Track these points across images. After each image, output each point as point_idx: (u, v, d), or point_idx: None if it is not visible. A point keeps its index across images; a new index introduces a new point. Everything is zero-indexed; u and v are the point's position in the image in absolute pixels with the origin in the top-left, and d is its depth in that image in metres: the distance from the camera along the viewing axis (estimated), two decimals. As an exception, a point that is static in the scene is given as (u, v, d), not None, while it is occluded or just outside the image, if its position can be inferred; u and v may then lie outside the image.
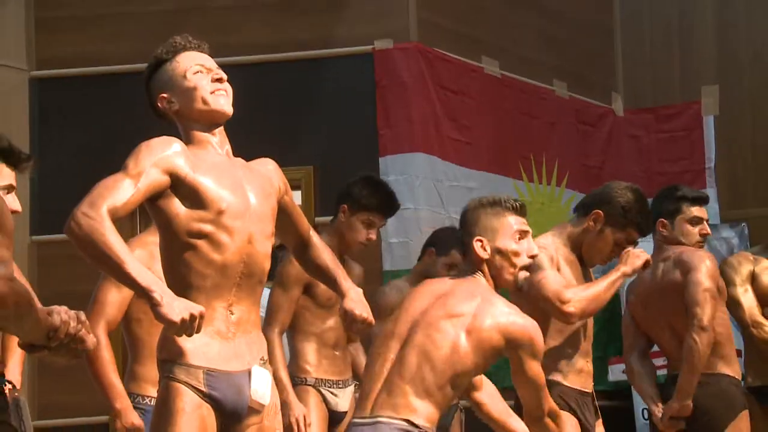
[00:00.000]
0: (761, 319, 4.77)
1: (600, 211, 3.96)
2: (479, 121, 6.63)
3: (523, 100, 6.96)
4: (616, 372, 6.52)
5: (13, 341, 3.79)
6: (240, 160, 2.87)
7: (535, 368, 3.04)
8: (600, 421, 4.01)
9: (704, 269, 4.24)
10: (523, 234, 3.21)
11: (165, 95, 2.79)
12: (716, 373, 4.27)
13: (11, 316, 2.02)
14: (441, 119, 6.02)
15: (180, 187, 2.68)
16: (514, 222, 3.21)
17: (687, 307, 4.18)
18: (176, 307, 2.44)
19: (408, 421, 2.95)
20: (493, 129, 6.62)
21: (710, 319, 4.17)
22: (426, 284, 3.36)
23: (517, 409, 3.61)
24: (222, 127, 2.83)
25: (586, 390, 3.97)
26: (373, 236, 4.24)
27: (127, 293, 3.53)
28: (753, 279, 4.89)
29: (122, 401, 3.52)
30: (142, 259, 2.94)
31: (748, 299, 4.82)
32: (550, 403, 3.28)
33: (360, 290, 2.94)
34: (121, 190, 2.59)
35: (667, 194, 4.49)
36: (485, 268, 3.19)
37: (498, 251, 3.16)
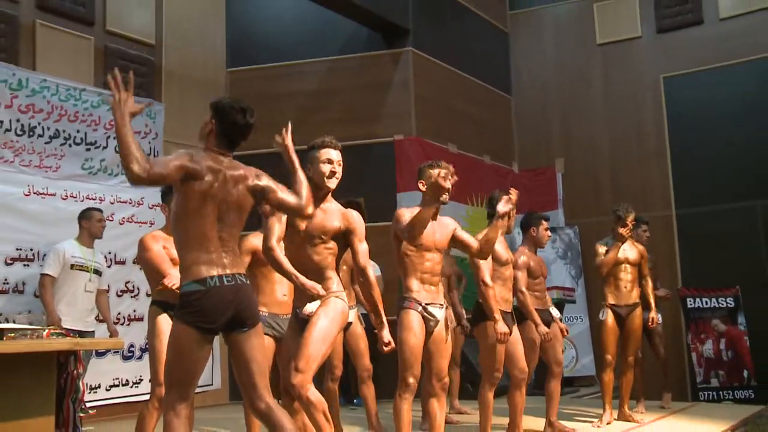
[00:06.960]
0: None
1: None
2: (448, 177, 7.84)
3: (468, 165, 8.58)
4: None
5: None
6: (330, 205, 3.58)
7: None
8: (516, 325, 5.00)
9: (520, 261, 5.34)
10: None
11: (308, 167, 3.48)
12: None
13: None
14: (429, 176, 5.29)
15: None
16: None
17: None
18: None
19: None
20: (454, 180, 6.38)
21: (523, 282, 5.29)
22: None
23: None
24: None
25: (508, 310, 4.89)
26: None
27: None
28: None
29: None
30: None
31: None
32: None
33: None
34: None
35: (533, 215, 5.65)
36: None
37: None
